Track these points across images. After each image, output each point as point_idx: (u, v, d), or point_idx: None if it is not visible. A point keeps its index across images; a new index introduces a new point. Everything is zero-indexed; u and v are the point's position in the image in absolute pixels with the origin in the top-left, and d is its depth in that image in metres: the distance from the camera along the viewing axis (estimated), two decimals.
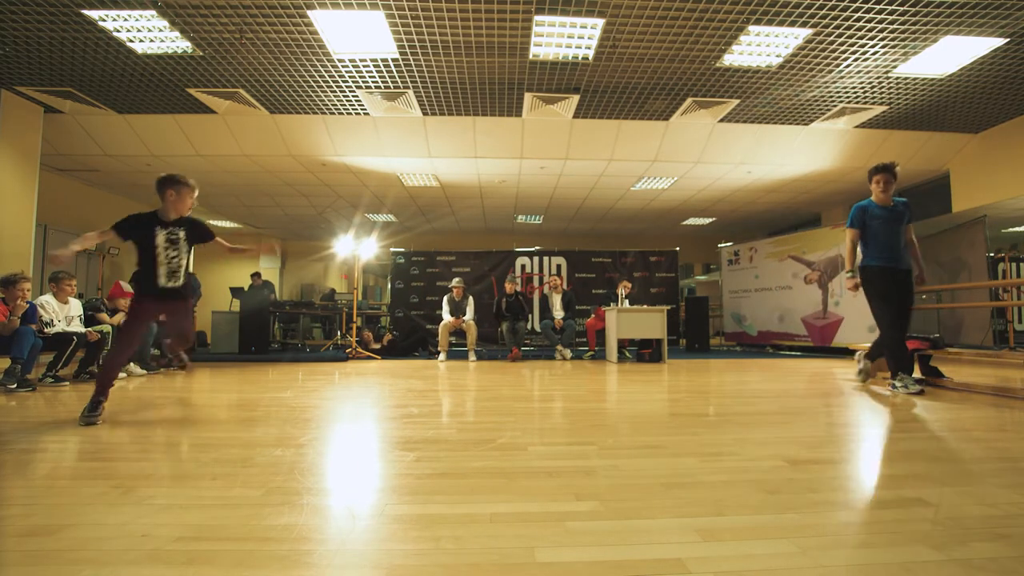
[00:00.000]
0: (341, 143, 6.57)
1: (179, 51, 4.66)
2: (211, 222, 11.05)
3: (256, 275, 9.80)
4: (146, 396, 3.55)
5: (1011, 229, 8.90)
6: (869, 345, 4.19)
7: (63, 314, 4.46)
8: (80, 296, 5.92)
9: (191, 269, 7.87)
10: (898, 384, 3.53)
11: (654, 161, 7.07)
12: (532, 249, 9.42)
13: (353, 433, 2.37)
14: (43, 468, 1.79)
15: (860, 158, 7.10)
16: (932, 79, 5.23)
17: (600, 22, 4.23)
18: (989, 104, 5.83)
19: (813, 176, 7.74)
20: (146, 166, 7.16)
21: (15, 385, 3.73)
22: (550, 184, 8.20)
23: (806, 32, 4.37)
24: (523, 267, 9.29)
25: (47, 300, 4.38)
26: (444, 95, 5.58)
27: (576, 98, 5.65)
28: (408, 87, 5.40)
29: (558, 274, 9.00)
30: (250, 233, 12.28)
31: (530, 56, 4.76)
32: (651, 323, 6.26)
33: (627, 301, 6.65)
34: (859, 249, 3.79)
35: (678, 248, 9.60)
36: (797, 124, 6.42)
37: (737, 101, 5.75)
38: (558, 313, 7.27)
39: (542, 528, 1.23)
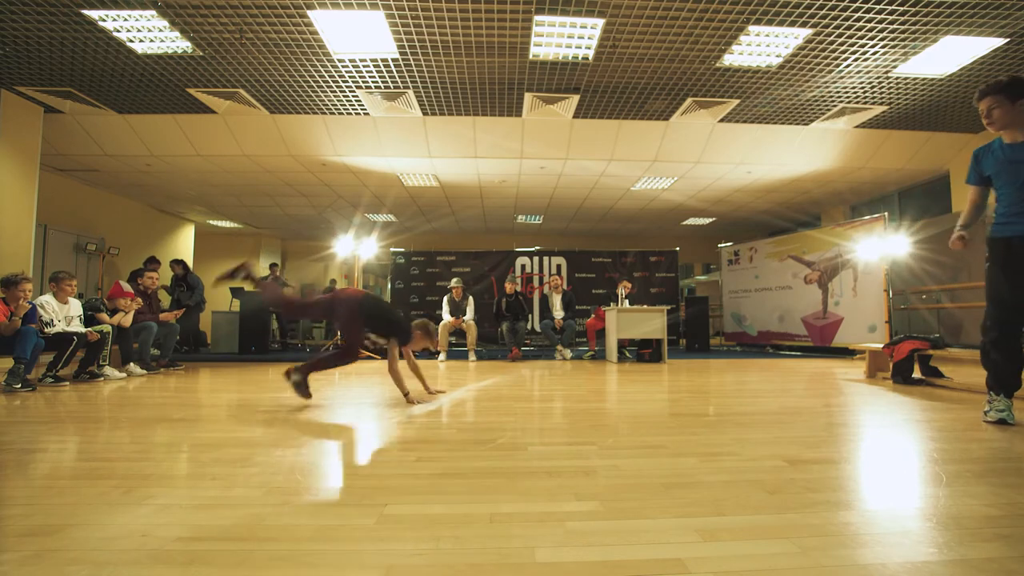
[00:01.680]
0: (341, 143, 6.57)
1: (179, 51, 4.66)
2: (211, 222, 11.05)
3: (274, 266, 9.79)
4: (146, 396, 3.55)
5: None
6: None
7: (63, 314, 4.46)
8: (80, 296, 5.92)
9: (192, 269, 7.77)
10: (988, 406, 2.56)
11: (654, 161, 7.07)
12: (532, 249, 9.42)
13: (353, 433, 2.37)
14: (43, 468, 1.79)
15: (860, 158, 7.10)
16: (932, 79, 5.23)
17: (600, 22, 4.23)
18: None
19: (813, 176, 7.74)
20: (146, 166, 7.16)
21: (19, 385, 3.73)
22: (550, 184, 8.19)
23: (806, 32, 4.37)
24: (523, 267, 9.29)
25: (47, 300, 4.38)
26: (444, 95, 5.58)
27: (576, 98, 5.65)
28: (408, 87, 5.40)
29: (558, 274, 9.00)
30: (250, 233, 12.28)
31: (530, 56, 4.76)
32: (651, 323, 6.26)
33: (627, 301, 6.65)
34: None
35: (678, 248, 9.60)
36: (797, 124, 6.42)
37: (737, 101, 5.75)
38: (558, 313, 7.27)
39: (542, 528, 1.23)
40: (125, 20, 4.17)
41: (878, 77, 5.18)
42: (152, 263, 6.88)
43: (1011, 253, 2.46)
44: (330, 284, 11.98)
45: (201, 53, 4.69)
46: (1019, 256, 2.42)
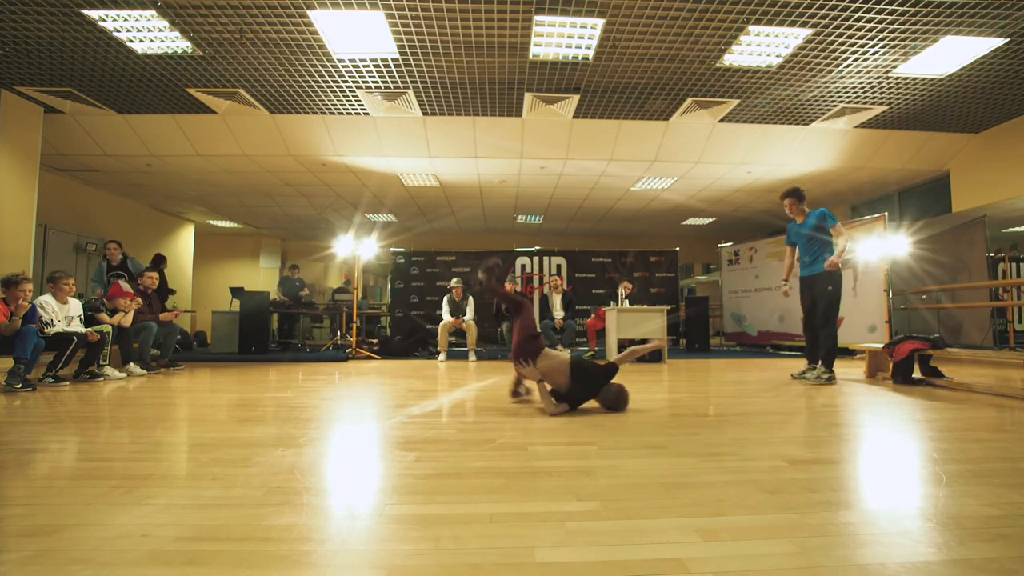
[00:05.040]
0: (341, 143, 6.57)
1: (179, 51, 4.65)
2: (211, 222, 11.05)
3: (294, 267, 9.77)
4: (146, 396, 3.55)
5: (1011, 229, 8.89)
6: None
7: (63, 314, 4.45)
8: (80, 296, 5.92)
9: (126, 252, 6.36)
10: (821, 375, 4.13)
11: (654, 161, 7.07)
12: (532, 249, 9.42)
13: (353, 433, 2.37)
14: (43, 468, 1.79)
15: (860, 158, 7.10)
16: (932, 79, 5.23)
17: (600, 22, 4.23)
18: (989, 104, 5.83)
19: (813, 176, 7.74)
20: (146, 166, 7.16)
21: (19, 385, 3.73)
22: (550, 184, 8.19)
23: (806, 32, 4.37)
24: (523, 267, 9.29)
25: (47, 300, 4.37)
26: (444, 95, 5.58)
27: (576, 98, 5.65)
28: (408, 87, 5.40)
29: (558, 274, 9.00)
30: (250, 233, 12.28)
31: (530, 56, 4.76)
32: (651, 323, 6.26)
33: (627, 301, 6.65)
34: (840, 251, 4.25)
35: (678, 248, 9.60)
36: (797, 124, 6.41)
37: (737, 101, 5.75)
38: (558, 313, 7.28)
39: (542, 528, 1.23)
40: (125, 20, 4.17)
41: (878, 77, 5.18)
42: (160, 262, 6.89)
43: (803, 285, 4.39)
44: (344, 283, 11.92)
45: (201, 53, 4.69)
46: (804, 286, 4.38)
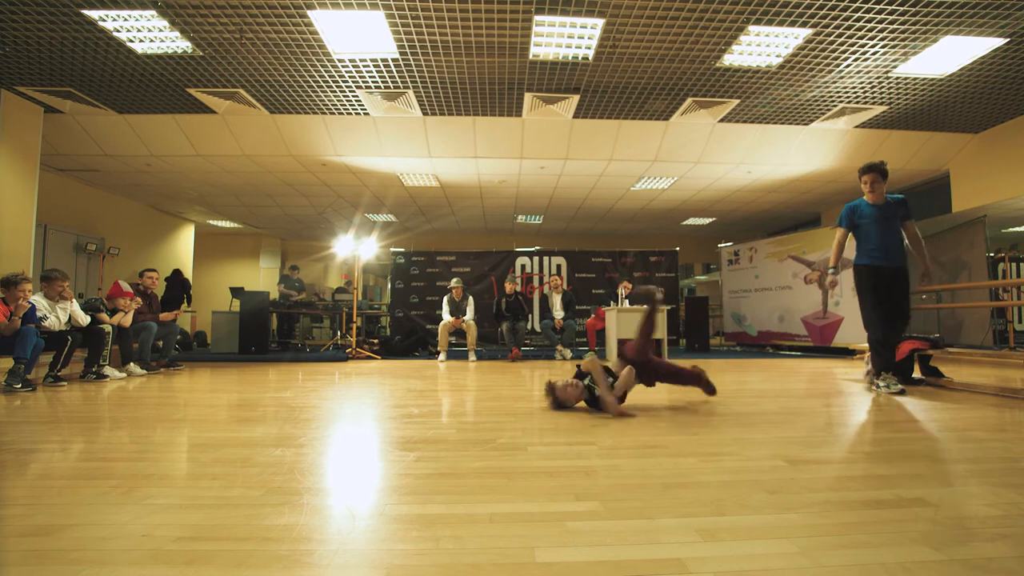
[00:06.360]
0: (341, 143, 6.57)
1: (179, 51, 4.66)
2: (211, 222, 11.05)
3: (294, 267, 9.76)
4: (146, 396, 3.55)
5: (1011, 229, 8.89)
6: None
7: (55, 313, 4.44)
8: (80, 296, 5.92)
9: None
10: (880, 384, 3.58)
11: (654, 161, 7.07)
12: (532, 249, 9.42)
13: (353, 433, 2.37)
14: (43, 468, 1.79)
15: (860, 158, 7.08)
16: (932, 79, 5.23)
17: (600, 22, 4.23)
18: (989, 104, 5.83)
19: (813, 176, 7.74)
20: (146, 166, 7.16)
21: (19, 385, 3.73)
22: (550, 184, 8.19)
23: (806, 32, 4.37)
24: (523, 267, 9.29)
25: (37, 300, 4.35)
26: (444, 95, 5.58)
27: (576, 98, 5.65)
28: (408, 87, 5.40)
29: (558, 274, 9.00)
30: (250, 233, 12.28)
31: (530, 56, 4.76)
32: None
33: (627, 301, 6.65)
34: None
35: (678, 248, 9.60)
36: (797, 124, 6.41)
37: (737, 101, 5.75)
38: (558, 313, 7.27)
39: (542, 528, 1.23)
40: (125, 20, 4.17)
41: (878, 77, 5.18)
42: (178, 275, 6.91)
43: (879, 277, 3.58)
44: (345, 284, 11.91)
45: (201, 53, 4.69)
46: (882, 279, 3.57)
